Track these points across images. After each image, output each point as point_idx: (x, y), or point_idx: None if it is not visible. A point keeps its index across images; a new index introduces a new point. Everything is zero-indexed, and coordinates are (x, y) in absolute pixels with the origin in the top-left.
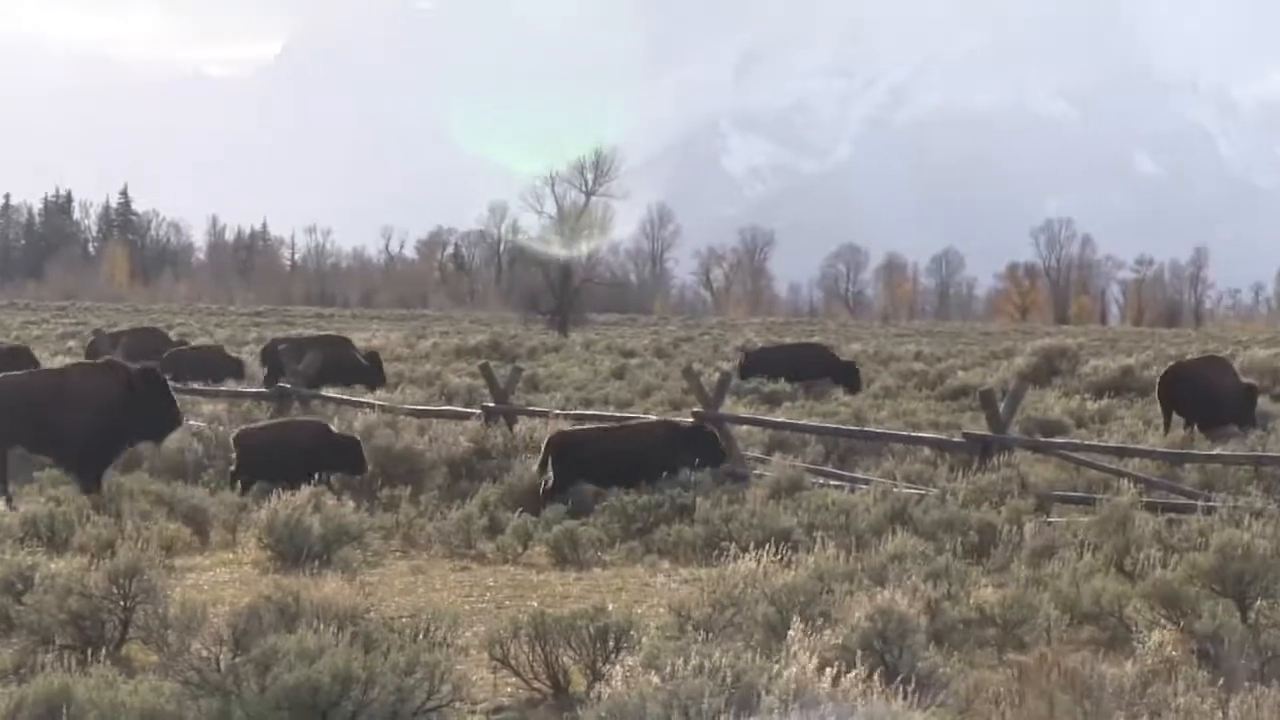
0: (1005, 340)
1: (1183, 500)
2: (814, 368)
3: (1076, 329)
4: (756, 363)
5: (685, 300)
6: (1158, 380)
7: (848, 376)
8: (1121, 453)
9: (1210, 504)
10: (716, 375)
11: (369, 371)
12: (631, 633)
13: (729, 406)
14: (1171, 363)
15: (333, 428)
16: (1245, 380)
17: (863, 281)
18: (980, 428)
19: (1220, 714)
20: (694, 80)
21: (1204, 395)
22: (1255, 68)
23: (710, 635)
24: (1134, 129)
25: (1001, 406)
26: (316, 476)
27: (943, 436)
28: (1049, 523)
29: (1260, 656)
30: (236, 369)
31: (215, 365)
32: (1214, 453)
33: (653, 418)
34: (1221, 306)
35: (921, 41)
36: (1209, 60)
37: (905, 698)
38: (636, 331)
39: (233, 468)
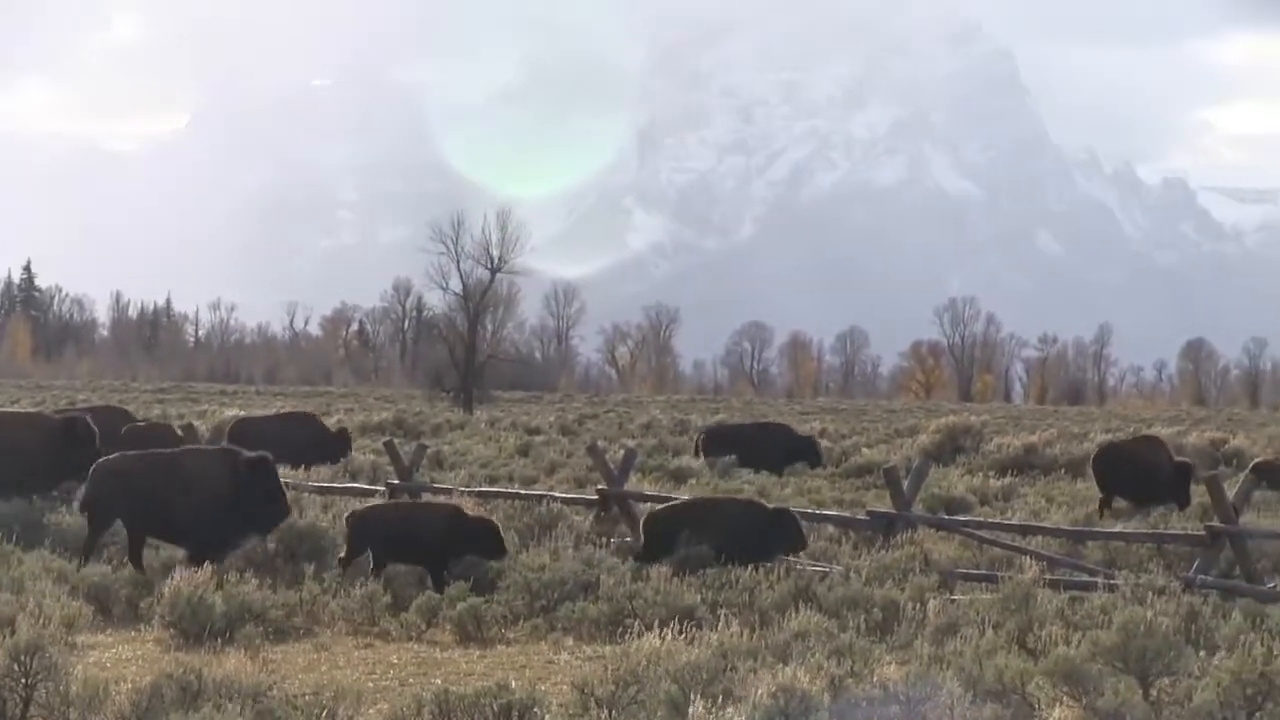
0: (909, 418)
1: (1085, 578)
2: (774, 446)
3: (980, 406)
4: (715, 441)
5: (590, 377)
6: (1092, 458)
7: (809, 452)
8: (1024, 530)
9: (1112, 581)
10: (621, 452)
11: (337, 447)
12: (535, 710)
13: (633, 484)
14: (1105, 442)
15: (468, 511)
16: (1179, 459)
17: (767, 359)
18: (884, 505)
19: None
20: (596, 158)
21: (1138, 474)
22: (1160, 146)
23: (613, 713)
24: (1036, 206)
25: (905, 484)
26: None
27: (847, 514)
28: (952, 600)
29: None
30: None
31: (169, 442)
32: (1116, 530)
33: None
34: (1125, 384)
35: (820, 119)
36: (1112, 140)
37: None
38: (541, 408)
39: (344, 552)
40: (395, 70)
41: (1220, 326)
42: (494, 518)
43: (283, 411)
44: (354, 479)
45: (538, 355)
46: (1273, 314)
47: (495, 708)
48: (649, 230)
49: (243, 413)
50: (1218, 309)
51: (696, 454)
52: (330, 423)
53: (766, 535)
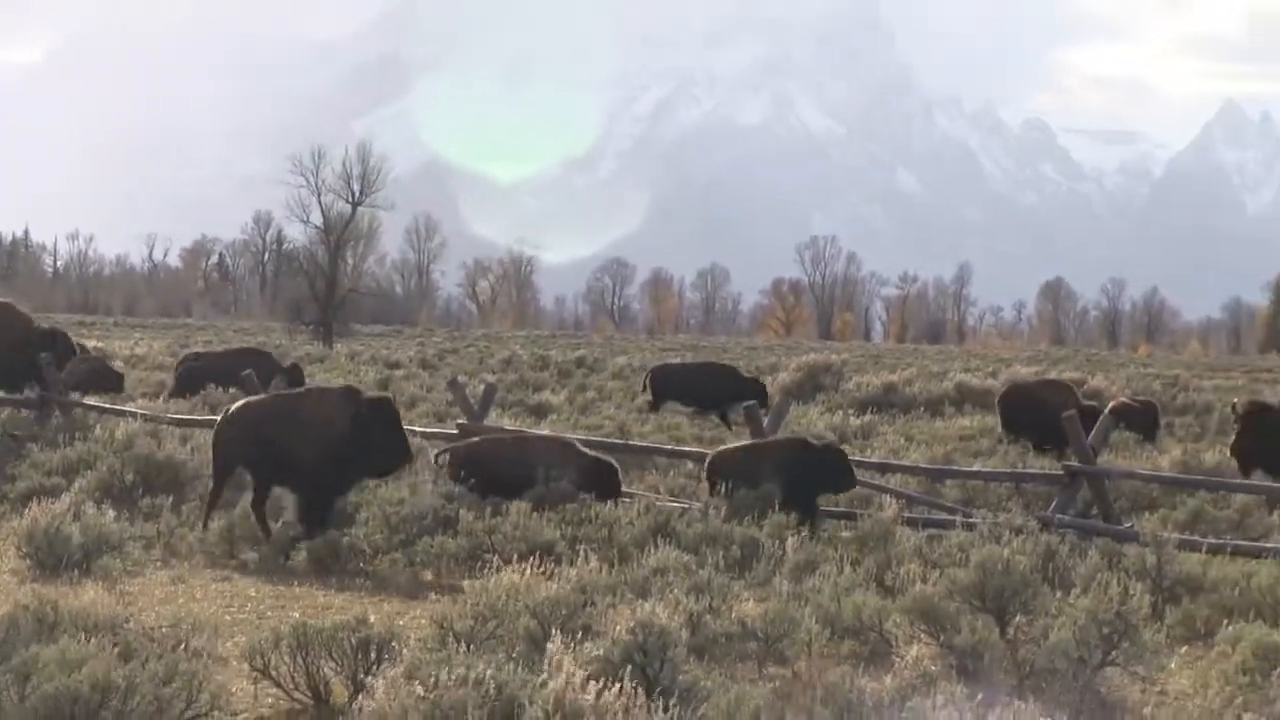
0: (770, 355)
1: (943, 516)
2: (721, 386)
3: (840, 345)
4: (661, 381)
5: (451, 312)
6: (998, 399)
7: (755, 393)
8: (883, 468)
9: (970, 520)
10: (482, 387)
11: (292, 382)
12: (393, 644)
13: (493, 418)
14: (1011, 383)
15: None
16: (1087, 403)
17: (629, 296)
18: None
19: None
20: (462, 91)
21: (1042, 418)
22: (1021, 88)
23: (472, 647)
24: (899, 146)
25: (765, 422)
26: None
27: (706, 451)
28: (810, 537)
29: (1018, 671)
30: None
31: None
32: (974, 469)
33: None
34: (984, 324)
35: (684, 56)
36: (974, 80)
37: (666, 711)
38: (402, 343)
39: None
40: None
41: (1079, 267)
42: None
43: (234, 348)
44: (213, 411)
45: (398, 289)
46: (1131, 255)
47: (353, 641)
48: (513, 170)
49: (198, 349)
50: (1077, 250)
51: (644, 392)
52: (284, 360)
53: (820, 473)
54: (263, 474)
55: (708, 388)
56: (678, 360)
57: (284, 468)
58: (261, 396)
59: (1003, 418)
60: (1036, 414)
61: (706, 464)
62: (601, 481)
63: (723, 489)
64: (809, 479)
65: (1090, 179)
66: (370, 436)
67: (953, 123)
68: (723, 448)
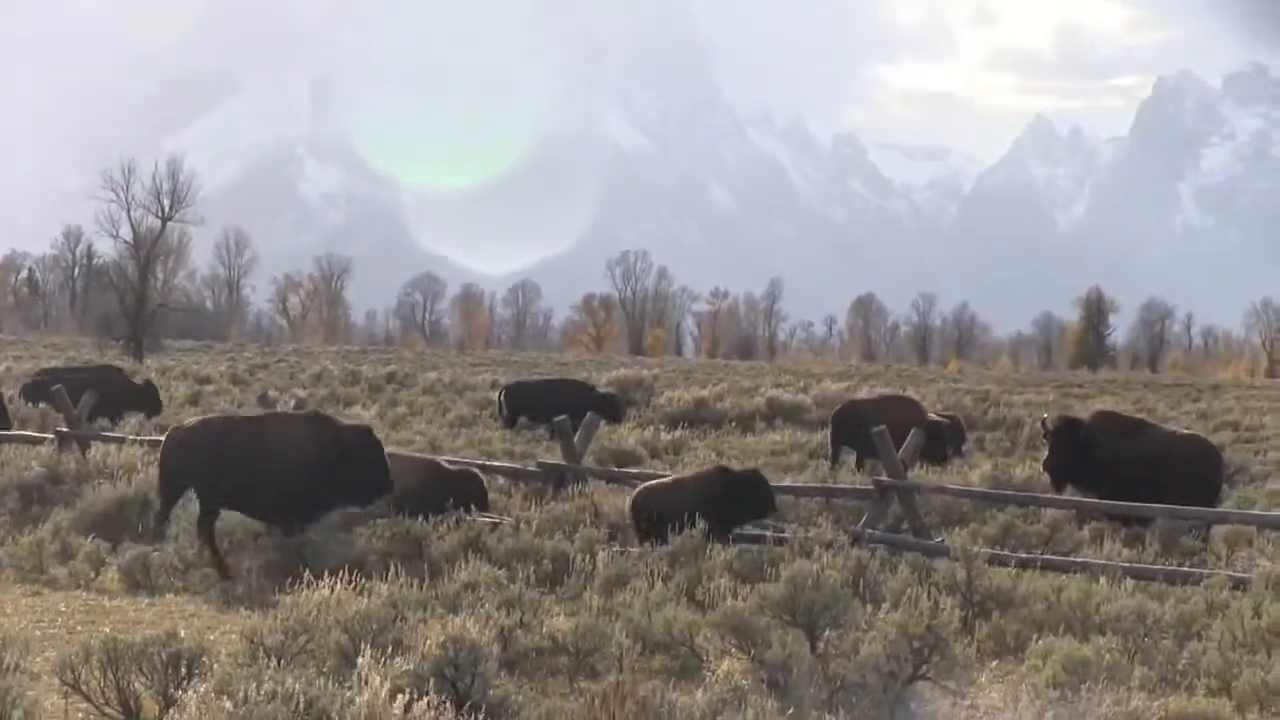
0: (581, 371)
1: (754, 531)
2: (574, 402)
3: (651, 360)
4: (515, 398)
5: (262, 327)
6: (833, 416)
7: (609, 408)
8: None
9: (781, 535)
10: (293, 402)
11: (145, 399)
12: (204, 659)
13: None
14: (849, 400)
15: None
16: (932, 418)
17: (439, 310)
18: (555, 457)
19: None
20: (268, 108)
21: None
22: (833, 105)
23: (283, 662)
24: (710, 161)
25: (576, 437)
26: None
27: (517, 465)
28: (622, 552)
29: (829, 686)
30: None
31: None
32: (785, 484)
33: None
34: (795, 339)
35: (494, 69)
36: (787, 96)
37: None
38: (213, 358)
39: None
40: (72, 10)
41: (891, 282)
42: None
43: (92, 364)
44: (22, 426)
45: (209, 304)
46: (942, 271)
47: (164, 656)
48: (322, 181)
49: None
50: (888, 265)
51: (500, 412)
52: (138, 379)
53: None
54: (214, 497)
55: (560, 403)
56: (534, 378)
57: (241, 492)
58: (217, 416)
59: (841, 436)
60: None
61: (631, 501)
62: (465, 491)
63: (647, 523)
64: (731, 507)
65: (900, 195)
66: (344, 466)
67: (763, 137)
68: (649, 484)
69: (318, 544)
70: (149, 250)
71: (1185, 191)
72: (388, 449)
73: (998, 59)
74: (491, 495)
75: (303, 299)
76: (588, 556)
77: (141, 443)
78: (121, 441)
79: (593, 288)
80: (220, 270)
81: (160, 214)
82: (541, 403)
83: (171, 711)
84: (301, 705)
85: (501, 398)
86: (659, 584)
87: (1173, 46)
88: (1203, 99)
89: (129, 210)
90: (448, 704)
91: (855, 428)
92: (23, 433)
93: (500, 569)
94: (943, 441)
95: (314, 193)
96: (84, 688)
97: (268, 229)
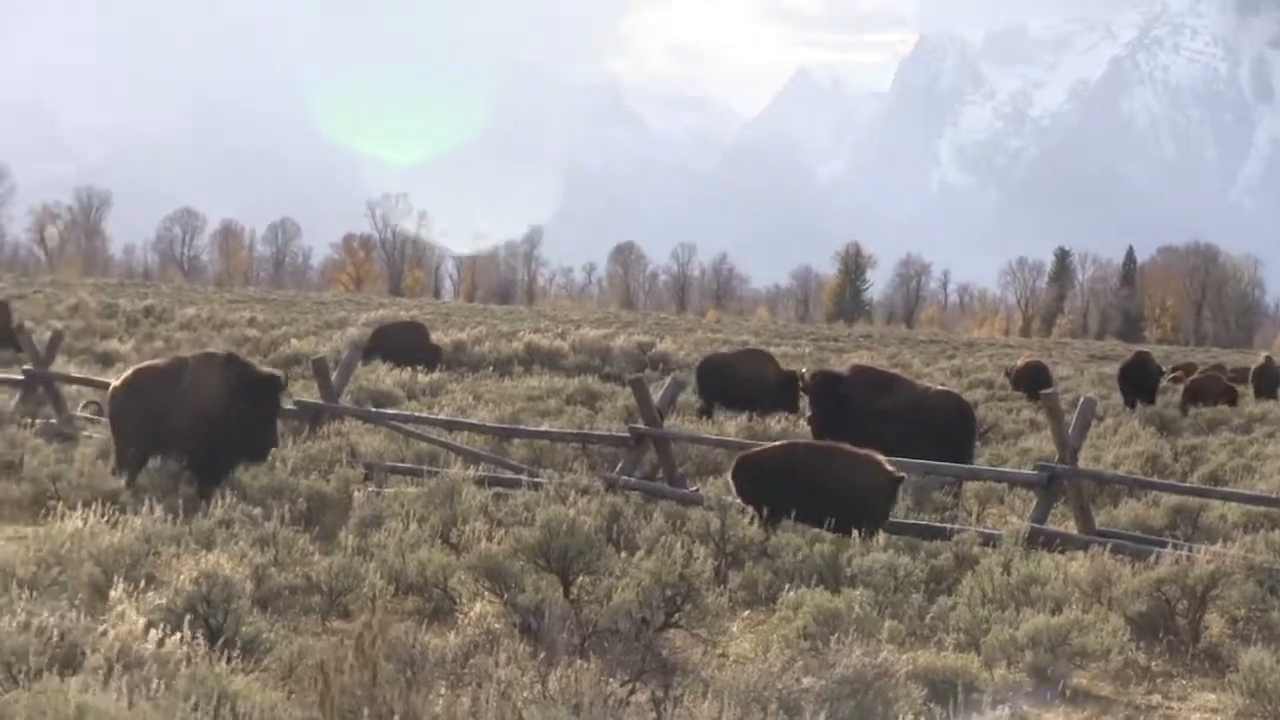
0: (339, 310)
1: (510, 475)
2: (416, 349)
3: (410, 302)
4: (381, 342)
5: (19, 258)
6: (696, 369)
7: (432, 357)
8: (451, 425)
9: (537, 479)
10: (49, 334)
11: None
12: None
13: (61, 365)
14: (710, 353)
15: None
16: (786, 369)
17: (198, 246)
18: (312, 396)
19: (540, 686)
20: (25, 33)
21: (742, 385)
22: (592, 53)
23: (35, 594)
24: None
25: (334, 375)
26: None
27: None
28: (377, 493)
29: (581, 631)
30: None
31: None
32: (542, 429)
33: None
34: (555, 286)
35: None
36: (544, 43)
37: (229, 661)
38: None
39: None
40: None
41: (651, 232)
42: None
43: None
44: None
45: None
46: (702, 221)
47: None
48: (83, 113)
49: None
50: (649, 215)
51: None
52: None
53: None
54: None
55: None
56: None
57: (158, 436)
58: (154, 363)
59: (702, 388)
60: (737, 383)
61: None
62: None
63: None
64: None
65: (660, 144)
66: (250, 412)
67: (522, 85)
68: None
69: (70, 475)
70: None
71: (944, 149)
72: None
73: (764, 10)
74: None
75: (60, 230)
76: (343, 496)
77: None
78: None
79: (352, 228)
80: None
81: None
82: (396, 349)
83: None
84: (54, 637)
85: (371, 340)
86: (414, 525)
87: (939, 2)
88: (964, 56)
89: None
90: (200, 639)
91: (716, 378)
92: None
93: (255, 506)
94: (797, 391)
95: (73, 124)
96: None
97: (26, 159)
